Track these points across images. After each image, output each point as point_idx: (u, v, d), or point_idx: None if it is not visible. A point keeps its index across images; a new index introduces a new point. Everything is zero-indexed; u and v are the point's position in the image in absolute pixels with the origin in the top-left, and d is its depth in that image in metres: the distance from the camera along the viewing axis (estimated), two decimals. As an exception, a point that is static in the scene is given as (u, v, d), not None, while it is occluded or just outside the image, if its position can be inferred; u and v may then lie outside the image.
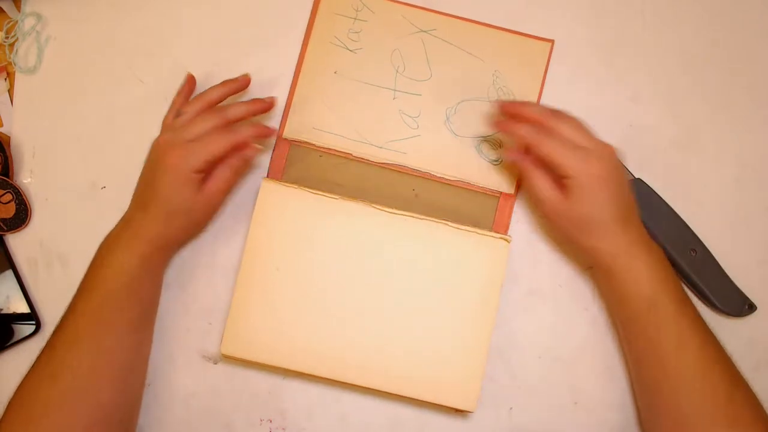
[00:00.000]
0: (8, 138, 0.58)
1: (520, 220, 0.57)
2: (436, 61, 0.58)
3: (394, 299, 0.52)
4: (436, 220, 0.53)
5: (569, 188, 0.49)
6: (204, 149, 0.50)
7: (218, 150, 0.50)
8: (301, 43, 0.58)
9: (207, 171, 0.51)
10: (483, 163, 0.57)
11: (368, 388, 0.52)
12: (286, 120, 0.57)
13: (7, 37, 0.59)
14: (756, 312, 0.55)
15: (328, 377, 0.52)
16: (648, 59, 0.58)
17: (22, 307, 0.56)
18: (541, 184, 0.50)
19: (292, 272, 0.52)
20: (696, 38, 0.59)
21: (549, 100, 0.58)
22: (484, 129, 0.57)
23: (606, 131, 0.57)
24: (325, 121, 0.57)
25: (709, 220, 0.56)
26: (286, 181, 0.55)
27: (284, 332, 0.52)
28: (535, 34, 0.58)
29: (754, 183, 0.57)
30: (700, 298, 0.55)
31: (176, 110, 0.53)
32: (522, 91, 0.57)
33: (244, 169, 0.56)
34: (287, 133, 0.57)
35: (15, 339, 0.55)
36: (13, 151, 0.58)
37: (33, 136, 0.58)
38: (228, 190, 0.53)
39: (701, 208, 0.56)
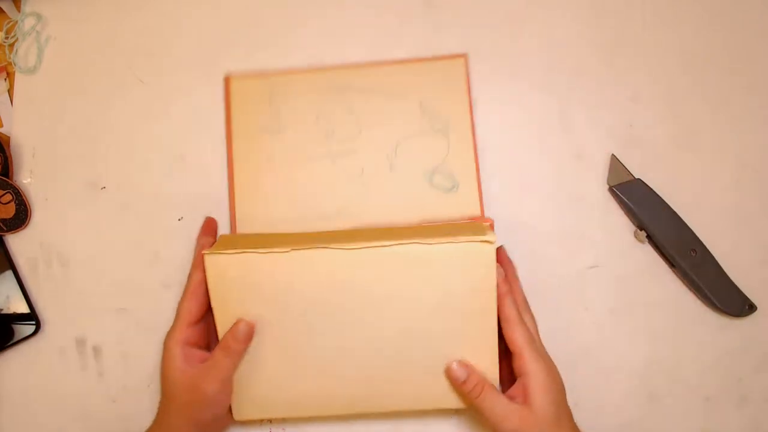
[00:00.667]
0: (8, 138, 0.58)
1: (519, 219, 0.57)
2: (361, 114, 0.56)
3: (392, 333, 0.49)
4: (406, 241, 0.47)
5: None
6: (182, 298, 0.50)
7: (193, 282, 0.50)
8: (224, 140, 0.57)
9: (199, 342, 0.50)
10: (439, 194, 0.56)
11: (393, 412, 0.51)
12: (235, 222, 0.56)
13: (7, 37, 0.59)
14: (756, 312, 0.55)
15: (349, 413, 0.51)
16: (648, 59, 0.58)
17: (22, 307, 0.56)
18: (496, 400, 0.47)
19: (275, 336, 0.49)
20: (696, 38, 0.59)
21: (547, 101, 0.58)
22: (429, 161, 0.56)
23: (606, 131, 0.57)
24: (274, 211, 0.56)
25: (709, 220, 0.56)
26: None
27: (292, 389, 0.50)
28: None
29: (754, 183, 0.57)
30: (700, 298, 0.56)
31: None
32: (452, 111, 0.56)
33: (243, 347, 0.49)
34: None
35: (15, 339, 0.55)
36: (13, 151, 0.58)
37: (33, 136, 0.58)
38: (228, 375, 0.49)
39: (701, 208, 0.56)
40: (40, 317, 0.56)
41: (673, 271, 0.56)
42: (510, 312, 0.48)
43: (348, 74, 0.57)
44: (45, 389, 0.56)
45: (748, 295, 0.55)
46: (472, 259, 0.47)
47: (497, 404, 0.47)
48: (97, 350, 0.56)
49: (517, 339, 0.48)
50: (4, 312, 0.56)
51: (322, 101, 0.57)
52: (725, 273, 0.55)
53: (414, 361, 0.49)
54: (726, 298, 0.55)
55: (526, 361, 0.47)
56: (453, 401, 0.50)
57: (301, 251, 0.47)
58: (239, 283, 0.48)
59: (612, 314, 0.56)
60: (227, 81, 0.57)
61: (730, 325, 0.56)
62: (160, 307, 0.56)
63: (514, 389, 0.48)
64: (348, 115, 0.56)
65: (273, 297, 0.48)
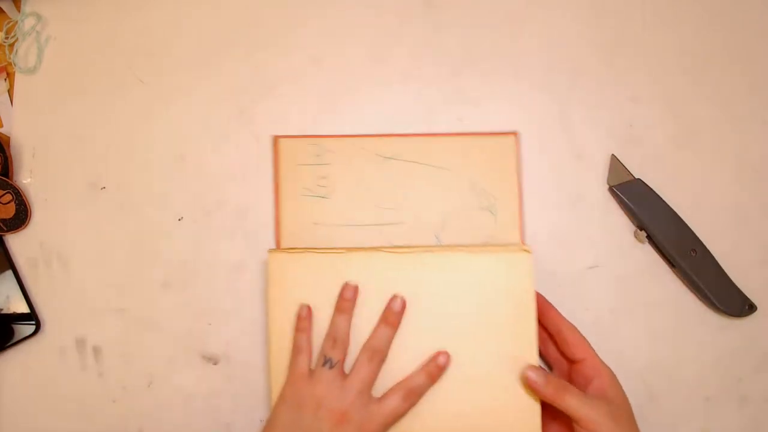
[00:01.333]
0: (8, 138, 0.58)
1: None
2: (410, 185, 0.56)
3: (433, 340, 0.50)
4: (451, 247, 0.51)
5: None
6: (387, 410, 0.48)
7: (408, 402, 0.48)
8: (272, 201, 0.57)
9: None
10: None
11: None
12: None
13: (7, 37, 0.59)
14: (756, 312, 0.55)
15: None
16: (648, 59, 0.58)
17: (22, 307, 0.56)
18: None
19: (321, 337, 0.50)
20: (696, 38, 0.59)
21: (547, 101, 0.58)
22: (475, 237, 0.56)
23: (606, 131, 0.57)
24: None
25: (709, 220, 0.56)
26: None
27: None
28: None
29: (754, 183, 0.57)
30: (700, 298, 0.56)
31: (313, 357, 0.50)
32: (501, 189, 0.56)
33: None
34: None
35: (15, 339, 0.55)
36: (13, 151, 0.58)
37: (33, 136, 0.58)
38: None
39: (701, 208, 0.56)
40: (40, 317, 0.56)
41: (673, 271, 0.56)
42: (567, 321, 0.51)
43: (399, 143, 0.57)
44: (45, 389, 0.56)
45: (748, 295, 0.55)
46: (512, 268, 0.50)
47: (583, 400, 0.47)
48: (97, 350, 0.56)
49: (584, 343, 0.50)
50: (4, 312, 0.56)
51: (371, 168, 0.56)
52: (725, 273, 0.55)
53: (458, 380, 0.49)
54: (726, 298, 0.55)
55: (599, 362, 0.50)
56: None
57: (356, 252, 0.51)
58: (298, 281, 0.51)
59: (612, 314, 0.56)
60: (275, 140, 0.57)
61: (730, 325, 0.56)
62: (160, 307, 0.56)
63: (591, 389, 0.49)
64: (396, 186, 0.56)
65: (328, 300, 0.50)
